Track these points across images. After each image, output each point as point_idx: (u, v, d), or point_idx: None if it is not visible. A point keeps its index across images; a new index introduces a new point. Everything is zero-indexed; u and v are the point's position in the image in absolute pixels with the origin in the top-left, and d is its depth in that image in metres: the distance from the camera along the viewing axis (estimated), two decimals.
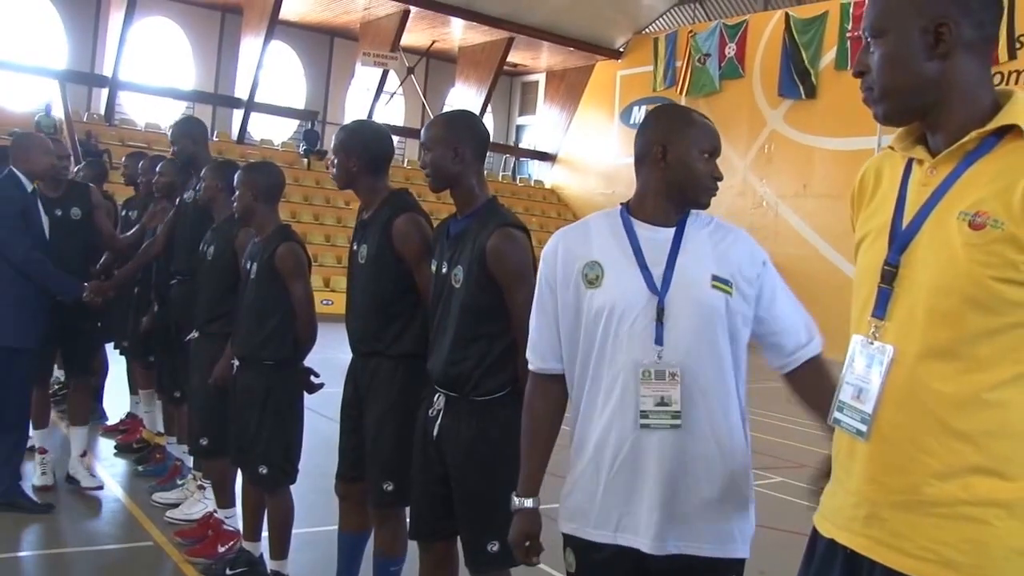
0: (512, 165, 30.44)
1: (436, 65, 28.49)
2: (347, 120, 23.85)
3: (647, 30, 26.65)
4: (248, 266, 4.08)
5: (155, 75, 23.88)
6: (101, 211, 5.74)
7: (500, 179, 28.95)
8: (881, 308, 1.68)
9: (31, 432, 5.38)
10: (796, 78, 21.48)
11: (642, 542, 2.20)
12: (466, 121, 3.18)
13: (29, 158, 5.02)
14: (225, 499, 4.63)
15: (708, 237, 2.29)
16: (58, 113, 20.42)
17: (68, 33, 22.78)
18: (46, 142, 5.24)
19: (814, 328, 2.41)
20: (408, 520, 3.34)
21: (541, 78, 30.10)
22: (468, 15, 24.25)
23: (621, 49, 27.08)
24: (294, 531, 4.11)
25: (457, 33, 26.14)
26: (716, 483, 2.22)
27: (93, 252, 5.77)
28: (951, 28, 1.62)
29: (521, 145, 30.75)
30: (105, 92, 22.42)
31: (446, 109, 27.65)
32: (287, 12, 23.14)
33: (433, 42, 26.29)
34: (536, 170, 30.09)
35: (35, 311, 4.96)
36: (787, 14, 21.98)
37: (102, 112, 22.51)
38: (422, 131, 3.17)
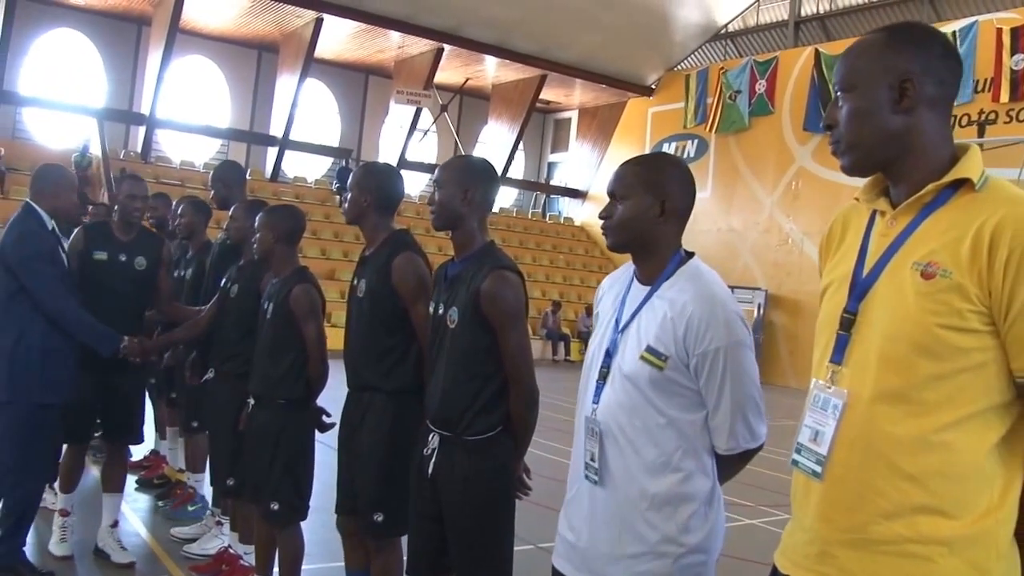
0: (543, 202, 30.53)
1: (469, 102, 28.70)
2: (381, 158, 24.18)
3: (678, 67, 26.69)
4: (265, 306, 4.17)
5: (192, 113, 24.27)
6: (166, 270, 5.25)
7: (530, 216, 29.10)
8: (839, 354, 1.75)
9: (57, 494, 5.05)
10: (822, 112, 21.40)
11: (568, 569, 2.36)
12: (481, 166, 3.24)
13: (59, 194, 4.56)
14: (249, 536, 4.66)
15: (667, 302, 2.25)
16: (95, 150, 20.71)
17: (108, 72, 23.19)
18: (74, 179, 4.77)
19: (744, 438, 2.23)
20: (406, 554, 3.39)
21: (574, 115, 30.19)
22: (501, 53, 24.44)
23: (653, 86, 27.12)
24: (305, 567, 4.16)
25: (490, 71, 26.37)
26: (626, 543, 2.23)
27: (145, 306, 5.27)
28: (915, 84, 1.70)
29: (552, 182, 30.82)
30: (142, 130, 22.72)
31: (479, 146, 27.93)
32: (323, 50, 23.46)
33: (466, 80, 26.52)
34: (567, 207, 30.19)
35: (65, 365, 4.49)
36: (817, 50, 21.94)
37: (139, 149, 22.85)
38: (436, 170, 3.23)
